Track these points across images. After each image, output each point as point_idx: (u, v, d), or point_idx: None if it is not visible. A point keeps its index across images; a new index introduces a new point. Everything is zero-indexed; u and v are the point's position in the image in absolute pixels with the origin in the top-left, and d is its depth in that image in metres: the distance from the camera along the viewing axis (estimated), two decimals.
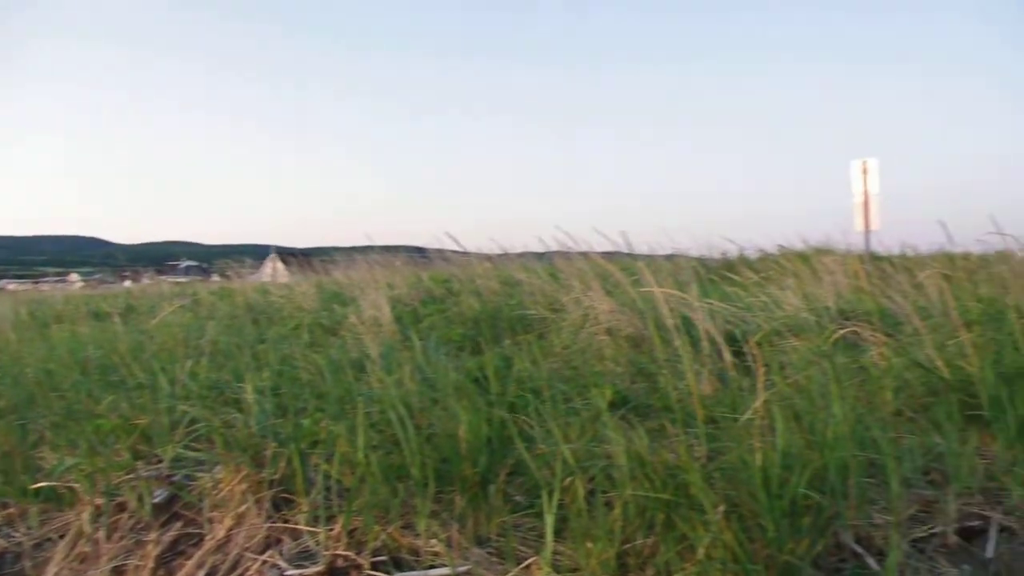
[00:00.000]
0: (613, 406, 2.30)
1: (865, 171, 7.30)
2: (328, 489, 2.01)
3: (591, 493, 1.79)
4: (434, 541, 1.83)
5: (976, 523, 2.20)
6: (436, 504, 1.96)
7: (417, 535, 1.87)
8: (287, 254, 17.97)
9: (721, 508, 1.71)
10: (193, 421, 2.46)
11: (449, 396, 2.11)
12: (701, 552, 1.61)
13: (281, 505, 2.07)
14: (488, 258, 7.36)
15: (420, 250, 9.08)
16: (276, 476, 2.07)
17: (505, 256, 7.54)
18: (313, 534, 1.91)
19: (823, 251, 7.28)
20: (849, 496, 2.01)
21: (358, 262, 8.12)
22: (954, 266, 6.55)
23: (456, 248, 6.65)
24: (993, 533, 2.12)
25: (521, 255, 7.51)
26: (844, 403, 2.31)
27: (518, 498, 2.00)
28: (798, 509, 1.89)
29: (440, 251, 7.75)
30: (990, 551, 2.05)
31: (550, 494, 1.64)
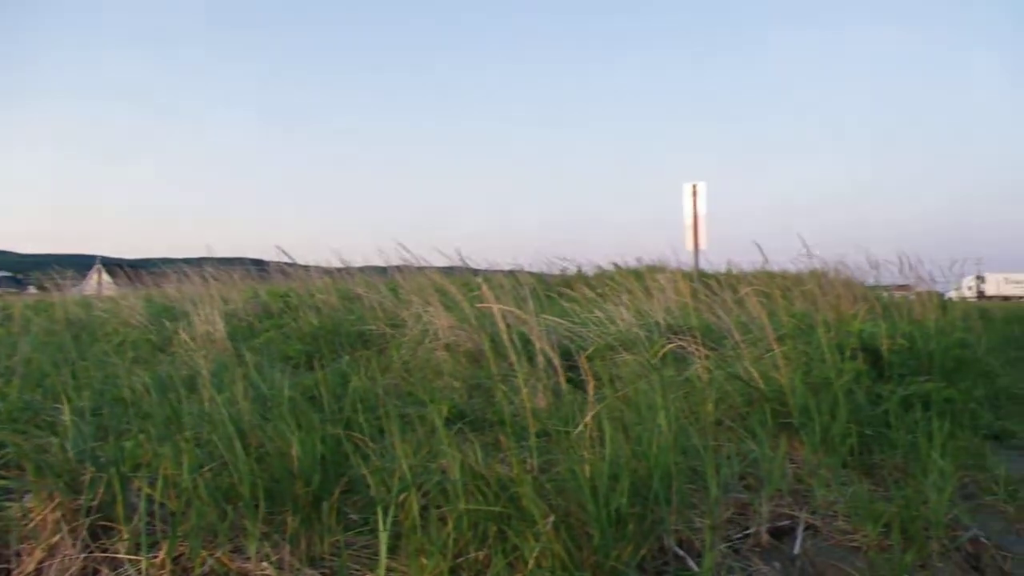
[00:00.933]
0: (450, 421, 2.73)
1: (695, 193, 9.02)
2: (152, 515, 2.23)
3: (426, 508, 2.10)
4: (265, 564, 2.08)
5: (786, 523, 2.93)
6: (267, 525, 2.23)
7: (247, 558, 2.13)
8: (113, 265, 19.30)
9: (551, 519, 2.14)
10: (1, 446, 2.65)
11: (282, 414, 2.40)
12: (531, 562, 2.05)
13: (100, 534, 2.25)
14: (328, 272, 8.42)
15: (259, 263, 10.31)
16: (94, 503, 2.26)
17: (346, 271, 8.60)
18: (135, 563, 2.11)
19: (656, 269, 8.81)
20: (672, 502, 2.63)
21: (192, 275, 9.07)
22: (773, 283, 8.28)
23: (295, 262, 7.88)
24: (800, 532, 2.90)
25: (362, 269, 8.57)
26: (669, 414, 2.97)
27: (352, 516, 2.31)
28: (623, 516, 2.41)
29: (280, 264, 8.82)
30: (797, 548, 2.81)
31: (385, 510, 1.92)
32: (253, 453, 2.35)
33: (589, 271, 10.05)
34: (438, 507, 2.11)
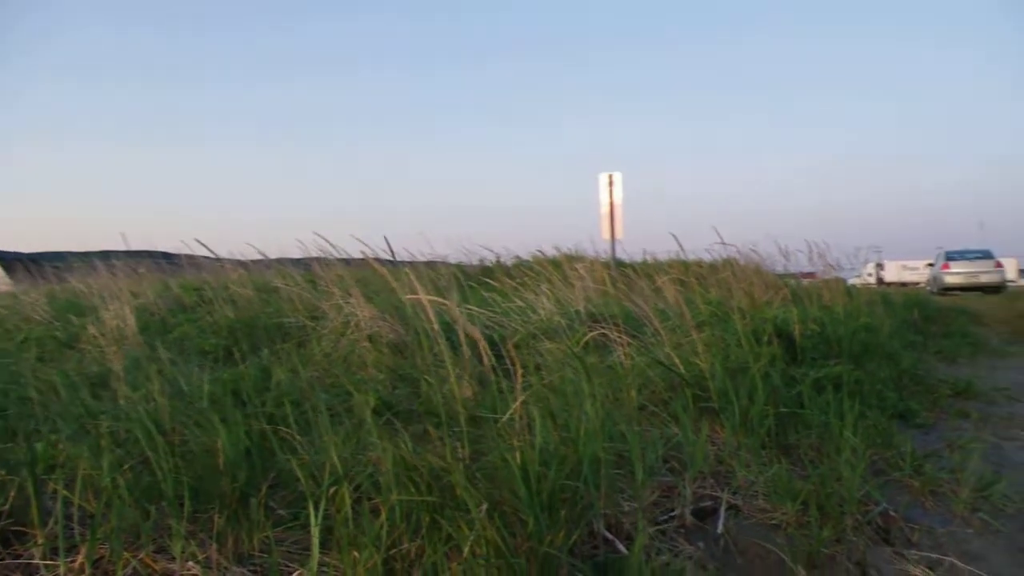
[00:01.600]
0: (376, 413, 2.71)
1: (611, 183, 9.30)
2: (69, 517, 2.16)
3: (358, 501, 2.10)
4: (191, 563, 2.04)
5: (709, 503, 3.09)
6: (193, 524, 2.19)
7: (172, 558, 2.08)
8: (10, 259, 19.09)
9: (484, 506, 2.18)
10: None
11: (204, 410, 2.34)
12: (466, 550, 2.08)
13: (12, 540, 2.18)
14: (243, 264, 8.31)
15: (168, 256, 10.06)
16: (5, 507, 2.19)
17: (262, 262, 8.51)
18: (52, 568, 2.04)
19: (574, 258, 8.99)
20: (601, 487, 2.72)
21: (99, 269, 8.91)
22: (688, 272, 8.61)
23: (208, 254, 7.62)
24: (722, 512, 3.06)
25: (278, 261, 8.45)
26: (595, 401, 3.07)
27: (281, 512, 2.28)
28: (555, 502, 2.48)
29: (191, 257, 8.80)
30: (720, 528, 2.96)
31: (316, 504, 1.91)
32: (176, 451, 2.31)
33: (508, 261, 10.17)
34: (370, 499, 2.11)
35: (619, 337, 4.10)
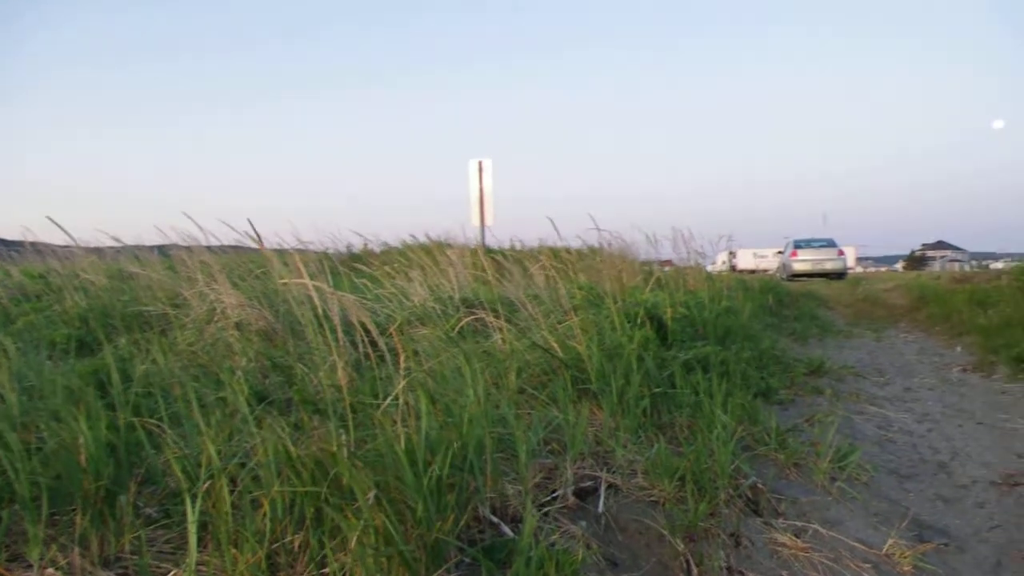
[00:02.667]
0: (249, 403, 2.61)
1: (481, 170, 9.40)
2: None
3: (236, 495, 2.02)
4: (51, 570, 1.89)
5: (589, 483, 3.22)
6: (52, 527, 2.04)
7: (29, 565, 1.93)
8: None
9: (371, 494, 2.19)
10: None
11: (60, 403, 2.12)
12: (353, 541, 2.06)
13: None
14: (95, 251, 7.90)
15: (6, 243, 9.82)
16: None
17: (118, 250, 8.13)
18: None
19: (445, 245, 8.99)
20: (486, 471, 2.76)
21: None
22: (558, 259, 8.86)
23: (57, 240, 7.60)
24: (602, 491, 3.18)
25: (136, 247, 8.11)
26: (476, 385, 3.11)
27: (151, 510, 2.16)
28: (443, 488, 2.51)
29: (34, 244, 8.51)
30: (600, 507, 3.08)
31: (192, 499, 1.84)
32: (30, 449, 2.12)
33: (377, 248, 10.06)
34: (250, 493, 2.03)
35: (495, 322, 4.16)
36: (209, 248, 6.36)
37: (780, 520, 3.07)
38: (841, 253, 23.69)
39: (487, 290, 6.12)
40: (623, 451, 3.24)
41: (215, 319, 4.19)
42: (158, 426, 2.40)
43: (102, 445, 2.10)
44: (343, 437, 2.32)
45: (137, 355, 3.43)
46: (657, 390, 3.74)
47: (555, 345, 3.84)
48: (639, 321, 4.42)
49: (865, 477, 3.61)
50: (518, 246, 9.87)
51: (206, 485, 1.99)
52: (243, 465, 2.14)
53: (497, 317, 4.50)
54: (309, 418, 2.76)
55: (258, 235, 3.44)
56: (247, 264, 4.87)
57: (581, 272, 7.08)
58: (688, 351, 4.48)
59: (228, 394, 2.66)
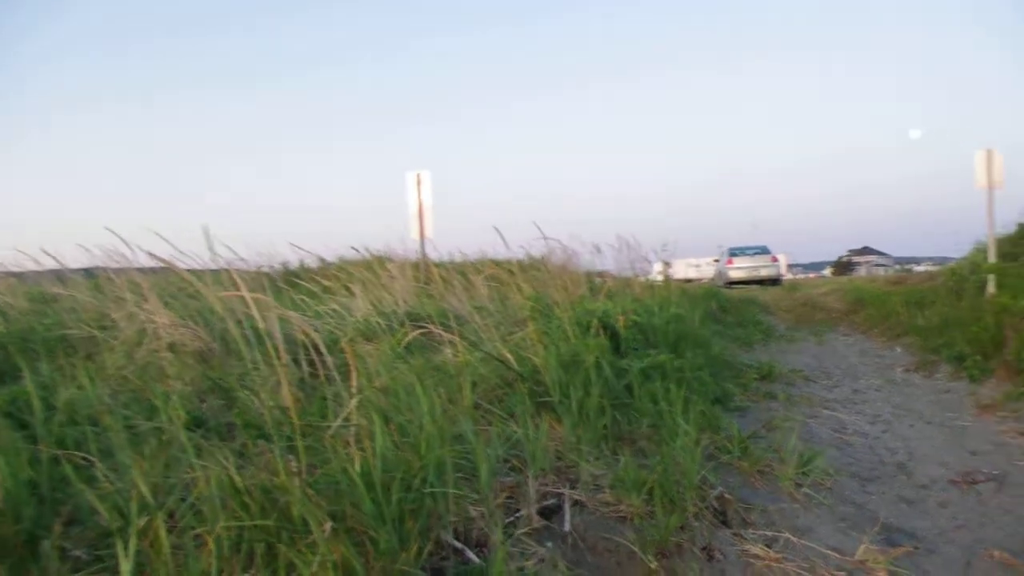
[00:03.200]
0: (187, 429, 2.38)
1: (419, 183, 9.26)
2: None
3: (176, 532, 1.83)
4: None
5: (552, 501, 3.11)
6: None
7: None
8: None
9: (328, 526, 2.02)
10: None
11: None
12: None
13: None
14: (16, 275, 7.64)
15: None
16: None
17: (40, 273, 7.88)
18: None
19: (385, 259, 8.75)
20: (448, 494, 2.61)
21: None
22: (501, 270, 8.75)
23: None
24: (567, 508, 3.07)
25: (58, 270, 7.71)
26: (432, 403, 2.96)
27: (80, 553, 1.92)
28: (404, 514, 2.36)
29: None
30: (567, 525, 2.95)
31: (125, 540, 1.65)
32: None
33: (314, 264, 9.75)
34: (192, 529, 1.84)
35: (445, 335, 4.01)
36: (140, 269, 6.05)
37: (750, 530, 2.99)
38: (775, 260, 24.25)
39: (431, 303, 5.97)
40: (586, 465, 3.12)
41: (146, 341, 3.91)
42: (86, 459, 2.17)
43: (22, 483, 1.87)
44: (293, 464, 2.14)
45: (61, 382, 3.15)
46: (617, 401, 3.64)
47: (510, 357, 3.72)
48: (594, 331, 4.33)
49: (829, 482, 3.58)
50: (459, 258, 9.74)
51: (142, 523, 1.79)
52: (183, 500, 1.94)
53: (447, 330, 4.36)
54: (254, 444, 2.57)
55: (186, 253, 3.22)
56: (179, 283, 4.61)
57: (526, 283, 6.97)
58: (643, 359, 4.40)
59: (163, 421, 2.44)
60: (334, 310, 4.94)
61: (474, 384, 3.58)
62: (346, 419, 2.46)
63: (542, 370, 3.62)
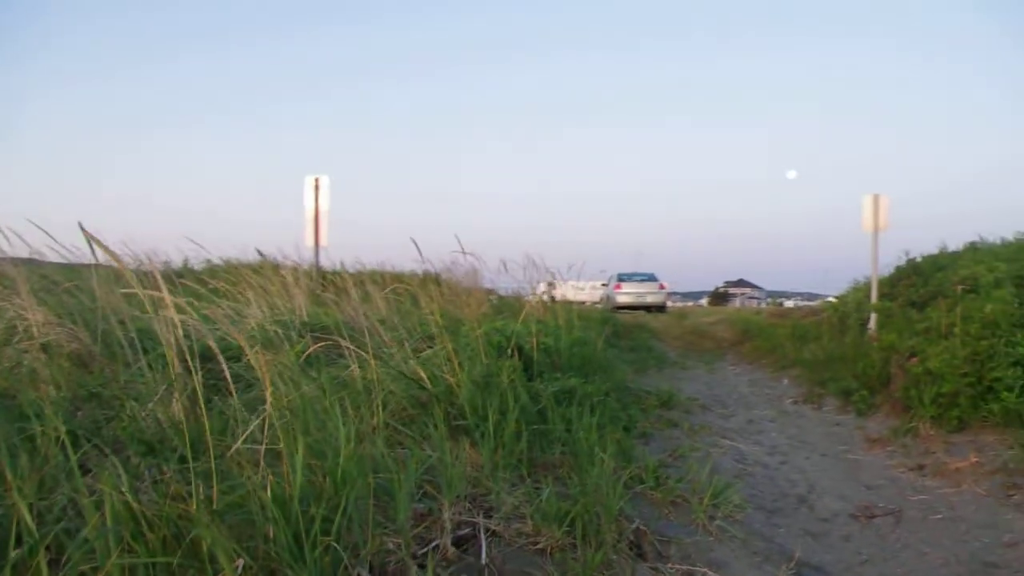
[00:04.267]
0: (63, 445, 2.08)
1: (317, 187, 8.90)
2: None
3: (60, 564, 1.61)
4: None
5: (468, 531, 2.99)
6: None
7: None
8: None
9: (240, 562, 1.81)
10: None
11: None
12: None
13: None
14: None
15: None
16: None
17: None
18: None
19: (277, 265, 8.34)
20: (367, 525, 2.43)
21: None
22: (402, 283, 8.55)
23: None
24: (483, 539, 2.93)
25: None
26: (344, 422, 2.77)
27: None
28: (318, 547, 2.17)
29: None
30: (483, 557, 2.83)
31: None
32: None
33: (198, 266, 9.18)
34: (79, 569, 1.59)
35: (352, 348, 3.81)
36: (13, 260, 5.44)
37: (669, 565, 2.95)
38: (662, 287, 24.93)
39: (330, 313, 5.72)
40: (505, 495, 3.00)
41: (15, 339, 3.49)
42: None
43: None
44: (197, 489, 1.92)
45: None
46: (535, 426, 3.54)
47: (423, 375, 3.56)
48: (510, 351, 4.23)
49: (741, 515, 3.60)
50: (357, 268, 9.47)
51: (14, 556, 1.53)
52: (68, 532, 1.68)
53: (350, 343, 4.15)
54: (140, 462, 2.32)
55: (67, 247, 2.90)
56: (56, 278, 4.15)
57: (427, 297, 6.82)
58: (553, 383, 4.33)
59: (38, 433, 2.15)
60: (225, 315, 4.60)
61: (385, 404, 3.40)
62: (253, 437, 2.25)
63: (457, 391, 3.48)
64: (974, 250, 9.13)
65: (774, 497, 4.12)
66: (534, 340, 4.65)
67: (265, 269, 7.07)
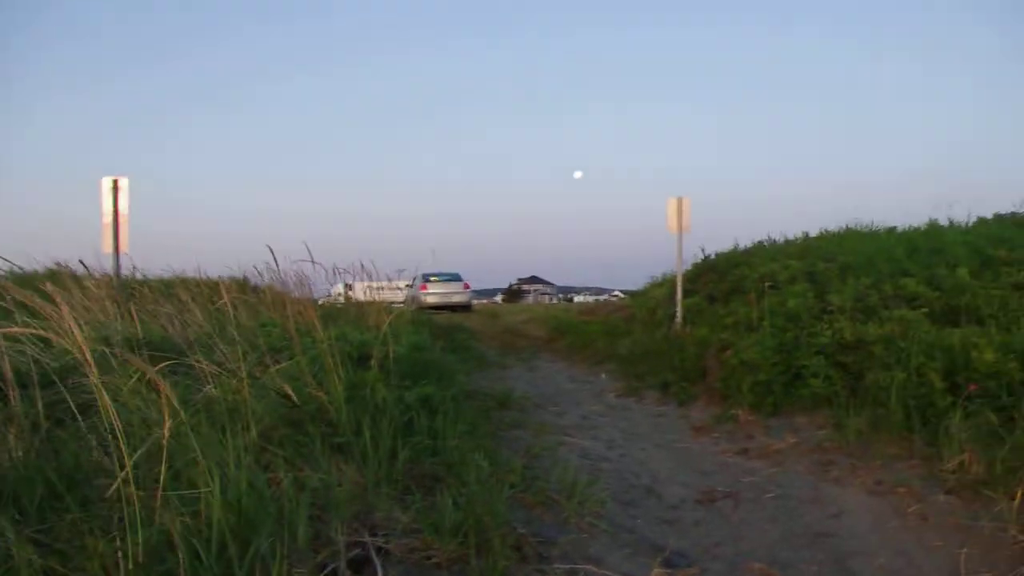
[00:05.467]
0: None
1: (116, 189, 8.09)
2: None
3: None
4: None
5: (358, 551, 2.92)
6: None
7: None
8: None
9: None
10: None
11: None
12: None
13: None
14: None
15: None
16: None
17: None
18: None
19: (72, 274, 7.48)
20: (277, 558, 2.32)
21: None
22: (215, 290, 8.07)
23: None
24: (376, 559, 2.88)
25: None
26: (237, 449, 2.63)
27: None
28: None
29: None
30: None
31: None
32: None
33: None
34: None
35: (206, 366, 3.59)
36: None
37: (553, 565, 3.06)
38: (467, 287, 25.32)
39: (143, 327, 5.32)
40: (398, 512, 2.98)
41: None
42: None
43: None
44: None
45: None
46: (412, 439, 3.53)
47: (291, 392, 3.43)
48: (372, 362, 4.17)
49: (605, 510, 3.80)
50: (168, 275, 8.82)
51: None
52: None
53: (196, 359, 3.91)
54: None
55: None
56: None
57: (265, 307, 6.52)
58: (410, 392, 4.33)
59: None
60: (33, 334, 4.08)
61: (256, 423, 3.24)
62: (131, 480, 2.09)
63: (329, 407, 3.39)
64: (763, 248, 10.13)
65: (624, 489, 4.38)
66: (389, 348, 4.60)
67: (62, 279, 6.41)
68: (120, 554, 1.71)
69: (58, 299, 5.26)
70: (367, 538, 2.82)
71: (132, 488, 2.01)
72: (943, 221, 10.18)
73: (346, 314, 7.64)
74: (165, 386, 3.27)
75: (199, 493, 2.22)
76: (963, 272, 6.45)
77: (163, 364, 3.63)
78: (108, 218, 7.94)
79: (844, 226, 10.81)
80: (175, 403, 3.18)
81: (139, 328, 5.36)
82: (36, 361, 4.05)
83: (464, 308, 23.82)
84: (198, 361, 3.56)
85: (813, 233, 10.76)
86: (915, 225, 10.16)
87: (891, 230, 10.16)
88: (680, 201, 9.53)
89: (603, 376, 8.88)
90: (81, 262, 7.05)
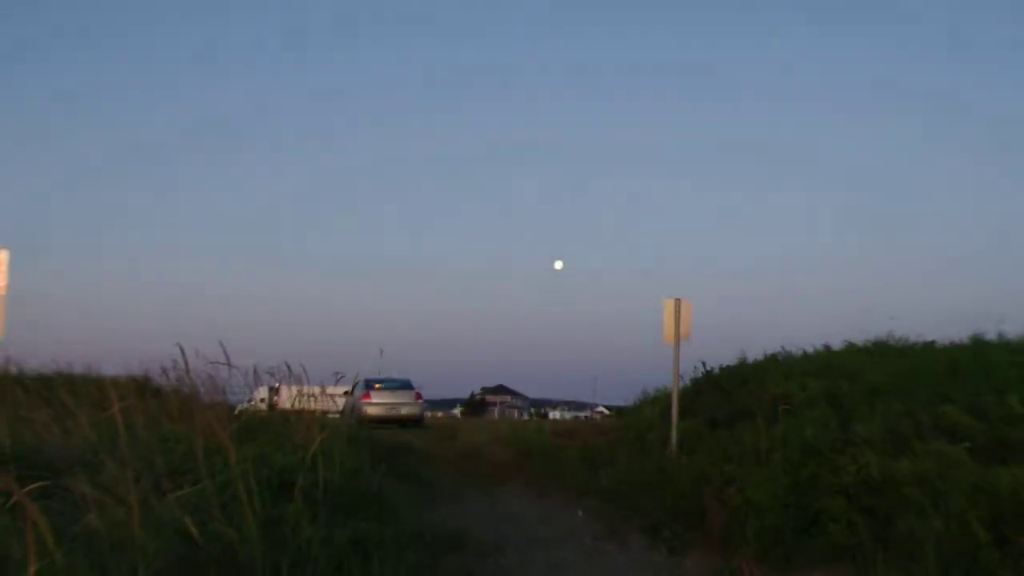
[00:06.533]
0: None
1: None
2: None
3: None
4: None
5: None
6: None
7: None
8: None
9: None
10: None
11: None
12: None
13: None
14: None
15: None
16: None
17: None
18: None
19: None
20: None
21: None
22: (111, 391, 7.93)
23: None
24: None
25: None
26: None
27: None
28: None
29: None
30: None
31: None
32: None
33: None
34: None
35: (88, 491, 3.50)
36: None
37: None
38: (419, 397, 25.01)
39: (25, 438, 5.21)
40: None
41: None
42: None
43: None
44: None
45: None
46: None
47: (194, 529, 3.35)
48: (295, 493, 4.10)
49: None
50: (47, 370, 8.69)
51: None
52: None
53: (76, 480, 3.82)
54: None
55: None
56: None
57: (161, 415, 6.43)
58: (341, 530, 4.26)
59: None
60: None
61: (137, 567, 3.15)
62: None
63: (239, 548, 3.31)
64: (776, 362, 10.20)
65: None
66: (319, 474, 4.54)
67: None
68: None
69: None
70: None
71: None
72: (991, 336, 10.25)
73: (268, 427, 7.51)
74: (36, 512, 3.17)
75: None
76: (1014, 399, 6.53)
77: (35, 485, 3.55)
78: None
79: (873, 339, 10.92)
80: (47, 536, 3.11)
81: (7, 437, 5.25)
82: None
83: (415, 422, 23.51)
84: (78, 483, 3.47)
85: (836, 346, 10.86)
86: (957, 341, 10.24)
87: (929, 345, 10.28)
88: (678, 303, 9.66)
89: (580, 513, 8.77)
90: None
